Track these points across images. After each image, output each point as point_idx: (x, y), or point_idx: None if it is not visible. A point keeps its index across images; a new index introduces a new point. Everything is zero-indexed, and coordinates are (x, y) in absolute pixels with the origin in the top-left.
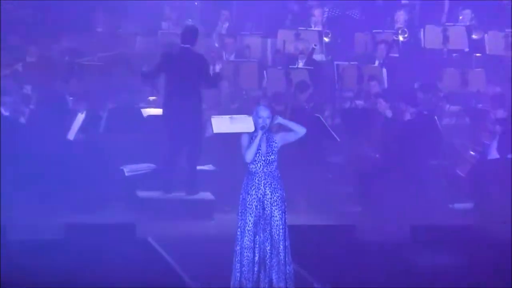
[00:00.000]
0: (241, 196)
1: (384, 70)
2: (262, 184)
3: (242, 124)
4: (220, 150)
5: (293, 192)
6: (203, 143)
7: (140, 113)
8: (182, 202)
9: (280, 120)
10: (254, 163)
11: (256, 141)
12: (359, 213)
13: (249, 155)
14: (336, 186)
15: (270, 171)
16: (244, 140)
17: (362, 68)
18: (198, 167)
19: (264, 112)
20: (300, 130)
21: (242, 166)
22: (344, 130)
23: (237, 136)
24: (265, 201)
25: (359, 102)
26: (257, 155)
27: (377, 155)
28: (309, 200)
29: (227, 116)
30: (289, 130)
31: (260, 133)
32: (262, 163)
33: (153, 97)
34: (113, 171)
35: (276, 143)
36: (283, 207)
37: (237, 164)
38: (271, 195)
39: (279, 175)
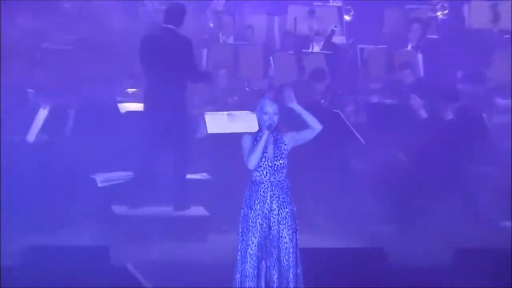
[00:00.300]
0: (242, 211)
1: (420, 56)
2: (269, 196)
3: (243, 122)
4: (216, 155)
5: (306, 206)
6: (193, 146)
7: (117, 109)
8: (169, 219)
9: (294, 105)
10: (259, 170)
11: (262, 143)
12: (390, 233)
13: (252, 161)
14: (360, 200)
15: (279, 181)
16: (246, 142)
17: (392, 53)
18: (188, 176)
19: (270, 107)
20: (316, 126)
21: (243, 174)
22: (370, 130)
23: (237, 137)
24: (272, 218)
25: (388, 96)
26: (263, 160)
27: (411, 162)
28: (327, 216)
29: (225, 113)
30: (300, 129)
31: (266, 133)
32: (269, 171)
33: (133, 89)
34: (83, 181)
35: (285, 145)
36: (294, 226)
37: (237, 172)
38: (279, 210)
39: (289, 185)
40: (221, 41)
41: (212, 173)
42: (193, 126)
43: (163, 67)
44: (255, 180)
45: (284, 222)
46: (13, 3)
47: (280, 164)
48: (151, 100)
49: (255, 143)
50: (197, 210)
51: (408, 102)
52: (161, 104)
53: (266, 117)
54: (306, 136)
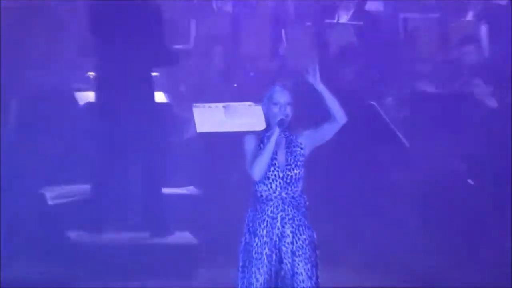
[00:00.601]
0: (243, 238)
1: (484, 28)
2: (279, 218)
3: (245, 117)
4: (207, 162)
5: (329, 231)
6: (176, 150)
7: (74, 99)
8: (144, 249)
9: (318, 84)
10: (266, 183)
11: (271, 145)
12: (443, 269)
13: (258, 169)
14: (402, 223)
15: (293, 197)
16: (249, 144)
17: (446, 25)
18: (169, 190)
19: (282, 96)
20: (340, 118)
21: (244, 188)
22: (417, 128)
23: (236, 137)
24: (284, 248)
25: (442, 82)
26: (271, 170)
27: (474, 172)
28: (357, 245)
29: (220, 105)
30: (318, 125)
31: (276, 131)
32: (280, 184)
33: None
34: (28, 197)
35: (301, 148)
36: (313, 258)
37: (236, 185)
38: (293, 237)
39: (306, 203)
40: (215, 9)
41: (202, 187)
42: (175, 123)
43: (124, 43)
44: (261, 196)
45: (300, 253)
46: None
47: (295, 174)
48: (109, 90)
49: (261, 145)
50: (182, 237)
51: (469, 90)
52: (125, 94)
53: (276, 110)
54: (326, 132)
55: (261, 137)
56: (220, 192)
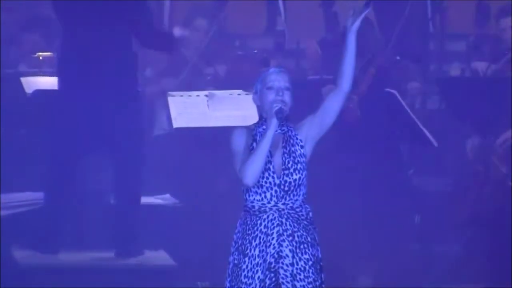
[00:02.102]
0: (231, 258)
1: None
2: (275, 235)
3: (233, 109)
4: (186, 165)
5: (337, 247)
6: (147, 151)
7: (21, 85)
8: (110, 270)
9: (352, 26)
10: (259, 191)
11: (266, 141)
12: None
13: (250, 173)
14: (430, 240)
15: (292, 208)
16: (239, 141)
17: None
18: (142, 200)
19: (278, 79)
20: (348, 84)
21: (232, 196)
22: (447, 123)
23: (222, 134)
24: (282, 271)
25: (477, 65)
26: (266, 175)
27: None
28: (374, 265)
29: (201, 93)
30: (316, 110)
31: (273, 123)
32: (276, 192)
33: (48, 53)
34: None
35: (302, 147)
36: (318, 283)
37: (222, 194)
38: (293, 257)
39: (309, 215)
40: None
41: (179, 195)
42: (145, 117)
43: (93, 21)
44: (253, 207)
45: (302, 276)
46: None
47: (295, 180)
48: (72, 74)
49: (254, 144)
50: (156, 257)
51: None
52: (88, 80)
53: (271, 96)
54: (330, 109)
55: (253, 133)
56: (203, 202)
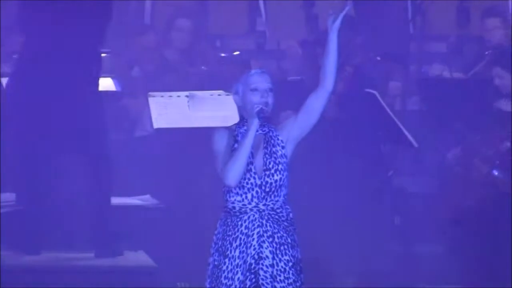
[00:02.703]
0: (211, 259)
1: None
2: (256, 236)
3: (214, 109)
4: (166, 166)
5: (318, 249)
6: (126, 151)
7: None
8: (89, 272)
9: (332, 26)
10: (240, 192)
11: (248, 141)
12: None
13: (233, 173)
14: (411, 241)
15: (273, 209)
16: (220, 142)
17: None
18: (118, 201)
19: (261, 81)
20: (331, 82)
21: (212, 197)
22: (429, 123)
23: (203, 134)
24: (262, 272)
25: (459, 66)
26: (247, 176)
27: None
28: (355, 264)
29: (182, 94)
30: (298, 110)
31: (255, 123)
32: (257, 193)
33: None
34: None
35: (283, 147)
36: (298, 284)
37: (202, 194)
38: (273, 259)
39: (289, 216)
40: None
41: (160, 196)
42: (126, 117)
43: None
44: (233, 208)
45: (282, 277)
46: None
47: (276, 181)
48: (30, 74)
49: (236, 144)
50: (136, 257)
51: (493, 78)
52: (48, 81)
53: (255, 98)
54: (313, 108)
55: (235, 134)
56: (183, 203)
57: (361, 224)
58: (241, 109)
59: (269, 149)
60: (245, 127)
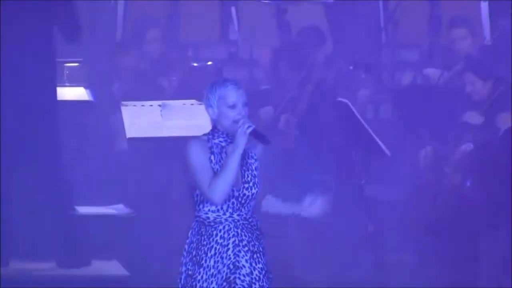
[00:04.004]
0: (183, 269)
1: (484, 4)
2: (231, 245)
3: (186, 119)
4: (138, 174)
5: (293, 257)
6: (98, 161)
7: None
8: (59, 280)
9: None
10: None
11: (235, 161)
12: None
13: (221, 192)
14: (386, 251)
15: (245, 219)
16: (198, 155)
17: (437, 1)
18: (91, 210)
19: (239, 96)
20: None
21: (185, 205)
22: (401, 133)
23: (175, 143)
24: (238, 281)
25: (431, 75)
26: None
27: (476, 190)
28: (327, 272)
29: (154, 103)
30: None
31: (242, 142)
32: (233, 204)
33: None
34: None
35: (255, 160)
36: None
37: (176, 203)
38: (249, 267)
39: (259, 225)
40: None
41: (133, 205)
42: (99, 126)
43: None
44: (207, 218)
45: (257, 286)
46: None
47: (253, 194)
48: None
49: (212, 156)
50: (109, 266)
51: (462, 85)
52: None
53: (232, 113)
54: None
55: (209, 146)
56: (156, 212)
57: (334, 232)
58: (216, 121)
59: (245, 161)
60: (220, 139)
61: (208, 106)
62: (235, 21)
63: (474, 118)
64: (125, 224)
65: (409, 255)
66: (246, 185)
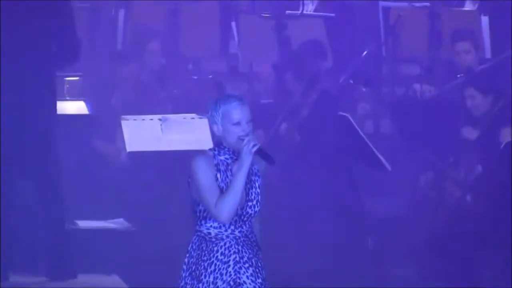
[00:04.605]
0: (182, 282)
1: (485, 19)
2: (232, 262)
3: (187, 133)
4: (139, 188)
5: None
6: (98, 174)
7: None
8: None
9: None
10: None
11: (242, 180)
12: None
13: (228, 210)
14: (384, 264)
15: (246, 235)
16: (205, 173)
17: (438, 15)
18: (91, 224)
19: (243, 114)
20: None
21: (183, 219)
22: (402, 146)
23: (175, 157)
24: None
25: (433, 88)
26: None
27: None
28: (327, 286)
29: (155, 117)
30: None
31: (248, 161)
32: (235, 221)
33: None
34: None
35: (259, 177)
36: None
37: (173, 215)
38: (250, 283)
39: (255, 239)
40: None
41: (133, 219)
42: (99, 139)
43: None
44: (209, 233)
45: None
46: None
47: (255, 212)
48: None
49: (219, 174)
50: (110, 280)
51: (464, 99)
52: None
53: (237, 129)
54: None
55: (215, 163)
56: (155, 226)
57: (334, 246)
58: (221, 138)
59: (249, 178)
60: (226, 156)
61: (213, 123)
62: (235, 35)
63: (470, 133)
64: (125, 238)
65: (409, 270)
66: (250, 203)
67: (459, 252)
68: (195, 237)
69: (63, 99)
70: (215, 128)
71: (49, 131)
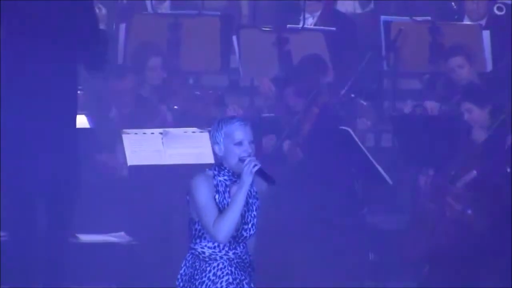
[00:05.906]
0: None
1: (486, 33)
2: (224, 283)
3: (186, 146)
4: (140, 202)
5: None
6: (99, 188)
7: None
8: None
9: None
10: (211, 239)
11: (241, 200)
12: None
13: (225, 230)
14: (385, 278)
15: (240, 257)
16: (204, 193)
17: (438, 29)
18: (92, 238)
19: (246, 134)
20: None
21: (185, 233)
22: (402, 162)
23: (175, 171)
24: None
25: (434, 105)
26: None
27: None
28: None
29: (156, 131)
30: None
31: (248, 182)
32: (230, 242)
33: None
34: None
35: (257, 199)
36: None
37: (175, 230)
38: None
39: (249, 260)
40: (149, 10)
41: (134, 233)
42: (100, 153)
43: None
44: (203, 253)
45: None
46: None
47: (250, 235)
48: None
49: (217, 195)
50: None
51: (461, 114)
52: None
53: (238, 150)
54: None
55: (215, 184)
56: (157, 240)
57: (335, 260)
58: (222, 158)
59: (247, 201)
60: (225, 177)
61: (214, 143)
62: (236, 50)
63: (470, 146)
64: (126, 252)
65: (411, 284)
66: (246, 226)
67: (460, 264)
68: (189, 254)
69: None
70: (216, 148)
71: (71, 144)
